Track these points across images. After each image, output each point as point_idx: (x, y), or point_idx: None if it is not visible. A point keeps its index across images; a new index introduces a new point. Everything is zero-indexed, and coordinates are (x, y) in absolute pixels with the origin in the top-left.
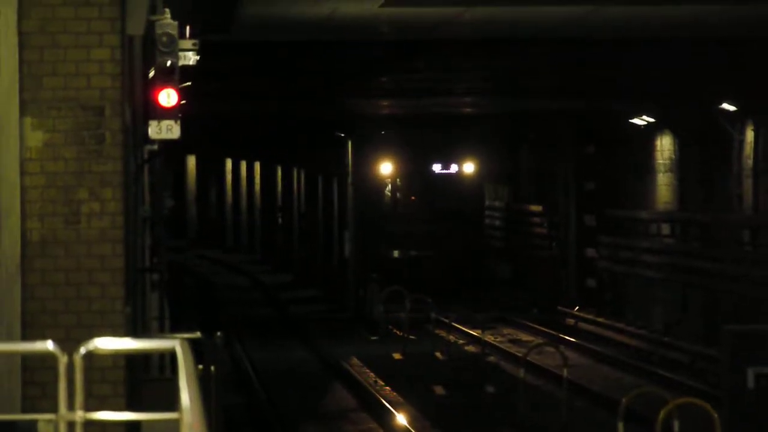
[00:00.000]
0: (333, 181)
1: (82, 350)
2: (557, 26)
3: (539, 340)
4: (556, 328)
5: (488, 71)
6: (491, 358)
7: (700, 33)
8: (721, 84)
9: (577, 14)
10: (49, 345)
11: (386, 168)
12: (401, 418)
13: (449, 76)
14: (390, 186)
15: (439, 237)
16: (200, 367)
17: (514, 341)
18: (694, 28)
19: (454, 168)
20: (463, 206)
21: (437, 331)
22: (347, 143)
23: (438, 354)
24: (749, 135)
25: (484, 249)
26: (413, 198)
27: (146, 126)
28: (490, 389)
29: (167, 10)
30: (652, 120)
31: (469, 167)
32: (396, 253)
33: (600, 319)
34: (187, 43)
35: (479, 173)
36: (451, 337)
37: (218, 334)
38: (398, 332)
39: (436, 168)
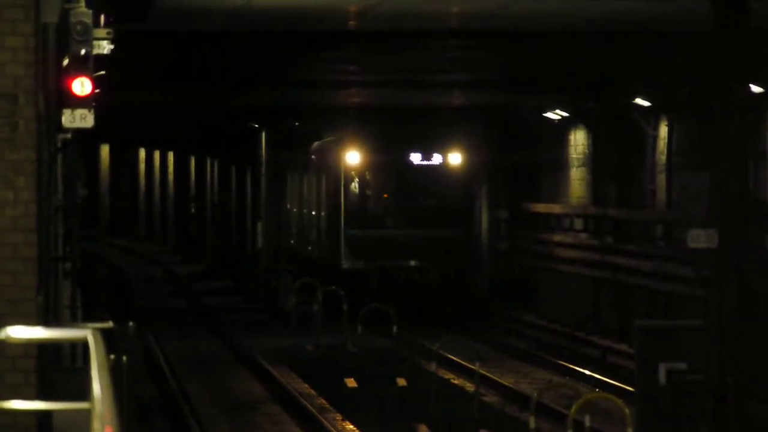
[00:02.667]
0: (246, 172)
1: None
2: (471, 19)
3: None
4: (470, 321)
5: (402, 64)
6: (404, 352)
7: (614, 28)
8: (635, 79)
9: (490, 8)
10: None
11: (352, 158)
12: (313, 410)
13: (363, 68)
14: (357, 180)
15: (419, 245)
16: (112, 356)
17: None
18: (609, 23)
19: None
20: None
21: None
22: (261, 134)
23: (351, 346)
24: (663, 131)
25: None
26: (386, 195)
27: (60, 114)
28: (401, 382)
29: None
30: (566, 114)
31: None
32: (361, 264)
33: (513, 313)
34: (102, 32)
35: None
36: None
37: (130, 324)
38: (310, 324)
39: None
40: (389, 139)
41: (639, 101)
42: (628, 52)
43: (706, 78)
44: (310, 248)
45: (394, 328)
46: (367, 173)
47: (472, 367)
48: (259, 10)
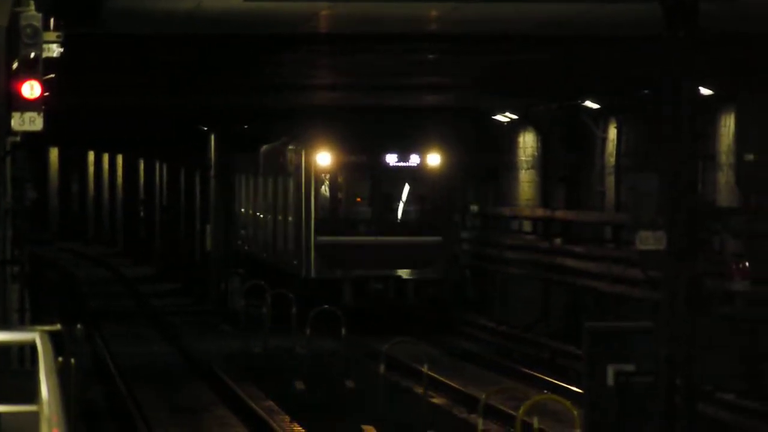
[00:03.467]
0: (195, 175)
1: None
2: (421, 22)
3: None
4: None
5: (351, 67)
6: (354, 355)
7: (565, 32)
8: (585, 82)
9: (439, 11)
10: None
11: (323, 159)
12: (261, 413)
13: (313, 71)
14: (328, 183)
15: (396, 254)
16: (60, 359)
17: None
18: (559, 26)
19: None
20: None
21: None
22: (210, 137)
23: (299, 349)
24: (612, 133)
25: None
26: (359, 199)
27: (9, 117)
28: (349, 384)
29: (32, 1)
30: (515, 117)
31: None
32: (333, 273)
33: (467, 317)
34: (52, 35)
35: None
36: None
37: (78, 326)
38: (260, 326)
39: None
40: (363, 138)
41: (588, 104)
42: (578, 56)
43: (656, 80)
44: (270, 255)
45: (343, 331)
46: (338, 176)
47: (422, 369)
48: (208, 14)
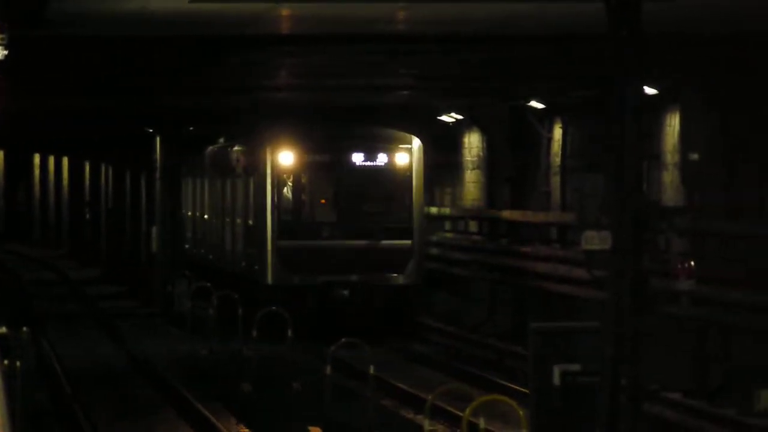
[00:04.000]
0: (141, 177)
1: None
2: (367, 23)
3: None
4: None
5: (299, 68)
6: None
7: (510, 31)
8: (530, 82)
9: (385, 12)
10: None
11: (285, 159)
12: (208, 415)
13: (259, 72)
14: (291, 184)
15: (362, 258)
16: (6, 362)
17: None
18: (505, 27)
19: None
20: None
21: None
22: (155, 139)
23: (246, 351)
24: (557, 133)
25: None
26: (323, 201)
27: None
28: (296, 386)
29: None
30: (460, 117)
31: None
32: (294, 280)
33: (417, 318)
34: None
35: None
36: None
37: (24, 329)
38: (206, 329)
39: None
40: (326, 137)
41: (533, 103)
42: (523, 56)
43: (600, 80)
44: (227, 260)
45: (289, 332)
46: (302, 176)
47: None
48: (154, 15)
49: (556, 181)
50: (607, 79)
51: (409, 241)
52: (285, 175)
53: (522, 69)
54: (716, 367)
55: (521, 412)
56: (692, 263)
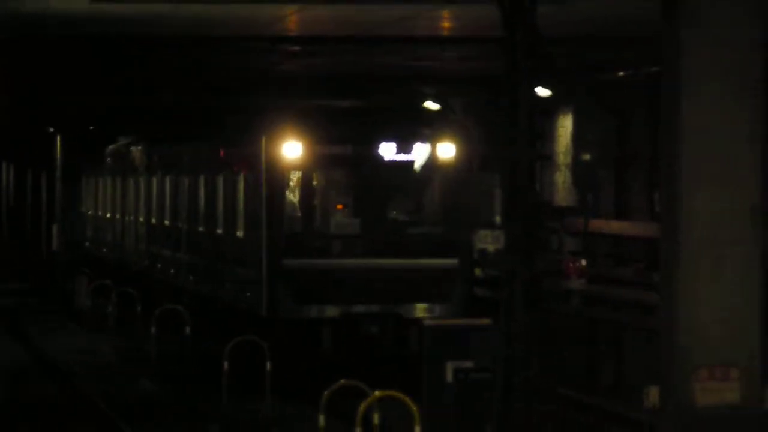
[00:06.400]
0: (42, 176)
1: None
2: (265, 24)
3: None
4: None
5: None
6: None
7: (408, 32)
8: (425, 82)
9: (281, 12)
10: None
11: (292, 150)
12: (107, 412)
13: (150, 73)
14: (301, 184)
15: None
16: None
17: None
18: (402, 26)
19: None
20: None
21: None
22: (56, 138)
23: (147, 347)
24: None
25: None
26: (340, 207)
27: None
28: (194, 383)
29: None
30: None
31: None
32: (309, 312)
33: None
34: None
35: None
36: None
37: None
38: (106, 325)
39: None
40: (346, 122)
41: (429, 104)
42: (420, 56)
43: (494, 81)
44: (196, 282)
45: (187, 329)
46: (314, 174)
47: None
48: (56, 15)
49: None
50: (500, 79)
51: (455, 260)
52: (288, 173)
53: (419, 69)
54: (609, 364)
55: (414, 408)
56: (583, 262)
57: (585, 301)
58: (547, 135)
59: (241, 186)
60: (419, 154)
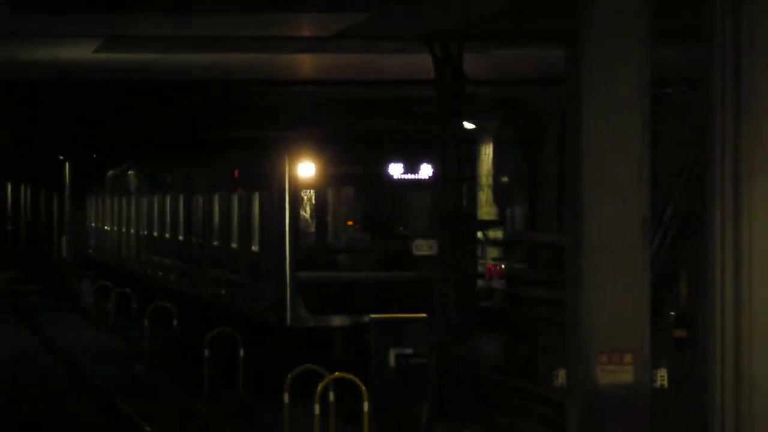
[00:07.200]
0: (53, 196)
1: None
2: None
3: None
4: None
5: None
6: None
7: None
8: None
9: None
10: None
11: (306, 170)
12: (106, 389)
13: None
14: (312, 202)
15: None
16: None
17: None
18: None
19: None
20: None
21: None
22: (65, 165)
23: (142, 339)
24: None
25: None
26: (351, 223)
27: None
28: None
29: None
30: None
31: None
32: (321, 320)
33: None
34: None
35: None
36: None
37: None
38: (107, 320)
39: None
40: (358, 143)
41: None
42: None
43: (429, 116)
44: (216, 292)
45: (174, 322)
46: (328, 192)
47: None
48: (65, 63)
49: None
50: (434, 115)
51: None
52: (303, 190)
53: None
54: (524, 350)
55: (363, 388)
56: (503, 266)
57: (504, 298)
58: (471, 160)
59: (256, 204)
60: (425, 172)
